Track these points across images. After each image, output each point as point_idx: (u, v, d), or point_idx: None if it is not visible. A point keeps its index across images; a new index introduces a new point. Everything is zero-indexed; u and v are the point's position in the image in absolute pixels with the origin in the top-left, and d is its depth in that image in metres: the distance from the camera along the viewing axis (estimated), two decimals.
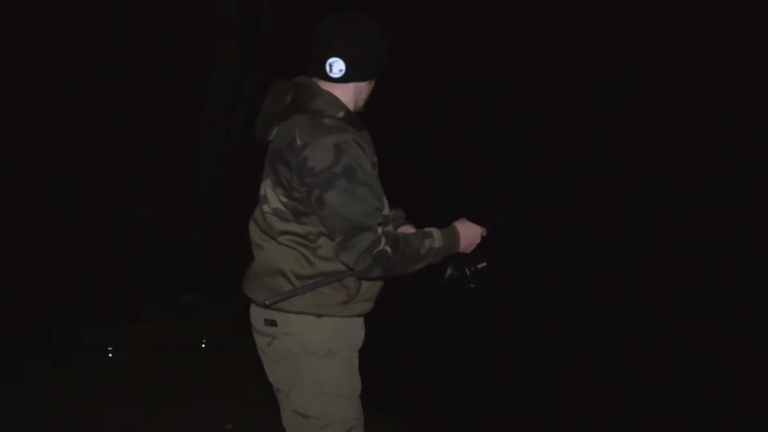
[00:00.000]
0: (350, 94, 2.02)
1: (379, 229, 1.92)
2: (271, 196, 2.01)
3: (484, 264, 2.18)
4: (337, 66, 1.97)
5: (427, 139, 10.63)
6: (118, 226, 7.41)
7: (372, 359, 2.27)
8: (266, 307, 2.01)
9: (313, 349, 2.03)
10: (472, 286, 2.17)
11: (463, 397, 4.73)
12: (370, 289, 2.07)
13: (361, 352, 2.16)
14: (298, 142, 1.91)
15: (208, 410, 3.94)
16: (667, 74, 10.77)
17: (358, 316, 2.10)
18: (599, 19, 10.49)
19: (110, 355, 4.77)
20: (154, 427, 3.72)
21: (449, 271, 2.18)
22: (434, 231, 2.06)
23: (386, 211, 2.07)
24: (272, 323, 2.05)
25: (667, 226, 8.68)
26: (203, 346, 5.06)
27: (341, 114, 1.97)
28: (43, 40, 7.79)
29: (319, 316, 2.01)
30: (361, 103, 2.08)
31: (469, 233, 2.15)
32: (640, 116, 10.68)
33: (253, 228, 2.11)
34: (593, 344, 5.54)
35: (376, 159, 2.02)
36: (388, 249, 1.91)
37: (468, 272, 2.16)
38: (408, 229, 2.20)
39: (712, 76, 10.40)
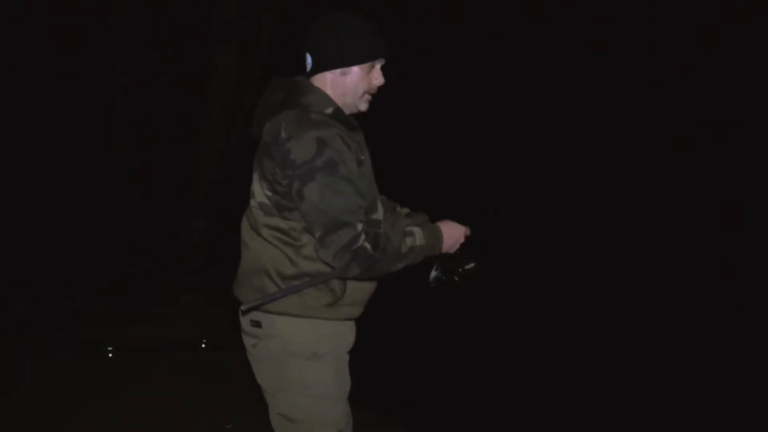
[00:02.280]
0: (329, 89, 2.01)
1: (360, 226, 1.88)
2: (257, 191, 2.01)
3: (472, 265, 2.14)
4: (308, 60, 2.01)
5: (427, 139, 10.63)
6: (118, 226, 7.41)
7: (370, 360, 2.27)
8: (243, 313, 2.01)
9: (297, 351, 2.00)
10: (458, 287, 2.13)
11: (462, 397, 4.72)
12: (358, 292, 2.03)
13: (360, 352, 2.14)
14: (283, 134, 1.91)
15: (208, 410, 3.94)
16: (667, 74, 10.78)
17: (346, 319, 2.07)
18: (599, 19, 10.49)
19: (110, 355, 4.77)
20: (154, 427, 3.72)
21: (434, 273, 2.14)
22: (416, 229, 2.02)
23: (378, 215, 2.05)
24: (257, 324, 2.03)
25: (667, 225, 8.68)
26: (203, 346, 5.06)
27: (329, 110, 1.97)
28: (43, 40, 7.79)
29: (303, 317, 1.98)
30: (347, 99, 2.03)
31: (452, 233, 2.11)
32: (640, 116, 10.69)
33: (243, 225, 2.11)
34: (592, 344, 5.54)
35: (363, 158, 2.00)
36: (368, 246, 1.88)
37: (454, 274, 2.12)
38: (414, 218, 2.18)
39: (712, 76, 10.40)
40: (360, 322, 2.13)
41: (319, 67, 2.00)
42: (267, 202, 1.98)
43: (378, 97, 2.11)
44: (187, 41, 7.49)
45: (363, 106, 2.07)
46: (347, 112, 2.03)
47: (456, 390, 4.80)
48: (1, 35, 7.47)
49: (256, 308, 1.99)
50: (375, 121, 2.23)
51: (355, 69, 2.01)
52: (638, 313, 6.23)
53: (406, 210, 2.27)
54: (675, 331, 5.82)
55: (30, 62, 7.90)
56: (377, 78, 2.05)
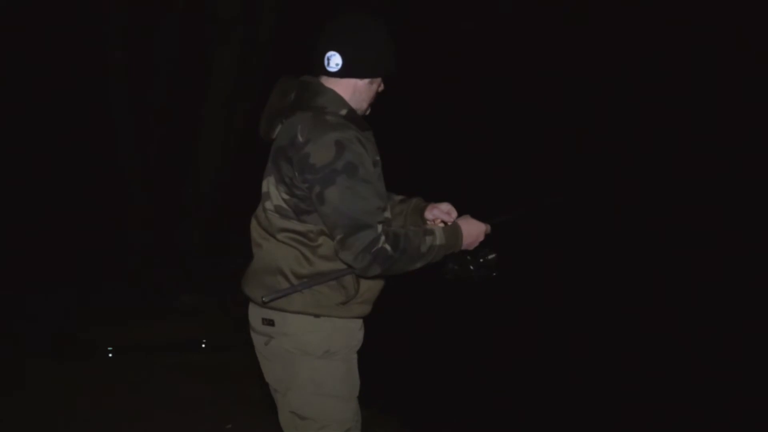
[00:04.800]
0: (350, 92, 2.02)
1: (380, 228, 1.90)
2: (273, 193, 2.01)
3: (493, 255, 2.12)
4: (334, 60, 1.98)
5: (430, 138, 10.64)
6: (118, 226, 7.40)
7: (372, 359, 2.27)
8: (264, 304, 2.00)
9: (311, 350, 2.02)
10: (474, 279, 2.12)
11: (463, 397, 4.72)
12: (369, 290, 2.06)
13: (362, 352, 2.15)
14: (300, 138, 1.91)
15: (207, 410, 3.94)
16: (667, 73, 10.79)
17: (357, 317, 2.09)
18: (599, 19, 10.50)
19: (110, 355, 4.77)
20: (155, 427, 3.72)
21: (450, 265, 2.12)
22: (436, 228, 2.04)
23: (388, 213, 2.05)
24: (270, 323, 2.04)
25: (667, 224, 8.68)
26: (203, 346, 5.05)
27: (344, 112, 1.98)
28: (43, 39, 7.79)
29: (317, 316, 2.00)
30: (364, 104, 2.06)
31: (472, 230, 2.10)
32: (641, 116, 10.70)
33: (254, 225, 2.11)
34: (594, 344, 5.53)
35: (378, 158, 2.02)
36: (388, 247, 1.89)
37: (471, 267, 2.11)
38: (431, 209, 2.19)
39: (712, 76, 10.42)
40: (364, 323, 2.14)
41: (352, 72, 1.99)
42: (284, 205, 1.98)
43: (383, 96, 2.13)
44: (187, 41, 7.49)
45: (368, 111, 2.11)
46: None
47: (456, 389, 4.80)
48: (1, 35, 7.46)
49: (272, 302, 1.98)
50: (378, 120, 2.23)
51: (378, 78, 2.05)
52: (639, 313, 6.22)
53: (399, 197, 2.28)
54: (677, 331, 5.83)
55: (29, 62, 7.90)
56: (381, 85, 2.09)
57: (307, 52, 2.07)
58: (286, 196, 1.97)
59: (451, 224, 2.11)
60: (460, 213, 2.19)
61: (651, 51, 10.89)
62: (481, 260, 2.11)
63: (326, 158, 1.87)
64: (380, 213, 1.93)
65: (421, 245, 1.96)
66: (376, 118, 2.14)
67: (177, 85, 7.57)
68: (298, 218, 1.97)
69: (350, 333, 2.08)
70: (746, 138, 9.94)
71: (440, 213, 2.19)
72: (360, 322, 2.12)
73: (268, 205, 2.03)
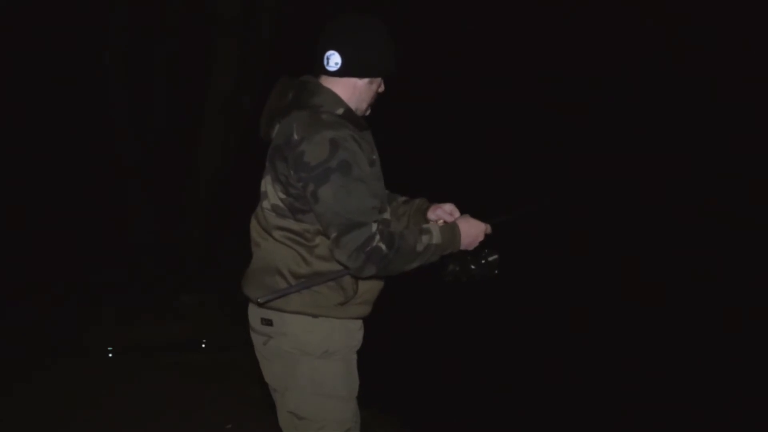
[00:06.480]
0: (349, 92, 2.02)
1: (374, 227, 1.89)
2: (270, 192, 2.01)
3: (495, 256, 2.11)
4: (333, 59, 1.98)
5: (430, 138, 10.64)
6: (118, 226, 7.40)
7: (372, 359, 2.27)
8: (260, 305, 2.00)
9: (309, 350, 2.02)
10: (475, 279, 2.10)
11: (463, 397, 4.72)
12: (368, 291, 2.05)
13: (362, 352, 2.15)
14: (295, 137, 1.91)
15: (208, 410, 3.94)
16: (667, 73, 10.79)
17: (356, 318, 2.08)
18: (599, 19, 10.51)
19: (110, 355, 4.77)
20: (155, 427, 3.72)
21: (450, 267, 2.11)
22: (432, 227, 2.01)
23: (387, 214, 2.05)
24: (268, 323, 2.04)
25: (668, 224, 8.68)
26: (203, 346, 5.05)
27: (340, 111, 1.98)
28: (44, 39, 7.79)
29: (315, 316, 2.00)
30: (364, 105, 2.06)
31: (471, 230, 2.08)
32: (641, 116, 10.70)
33: (253, 225, 2.11)
34: (594, 344, 5.53)
35: (375, 158, 2.01)
36: (383, 246, 1.88)
37: (472, 266, 2.09)
38: (435, 209, 2.18)
39: (711, 76, 10.42)
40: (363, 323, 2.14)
41: (352, 71, 1.99)
42: (280, 204, 1.98)
43: (386, 97, 2.13)
44: (187, 41, 7.49)
45: (368, 111, 2.10)
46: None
47: (456, 389, 4.80)
48: (1, 35, 7.46)
49: (269, 303, 1.98)
50: (380, 120, 2.23)
51: (378, 79, 2.05)
52: (639, 313, 6.22)
53: (403, 198, 2.27)
54: (677, 331, 5.82)
55: (30, 61, 7.90)
56: (381, 86, 2.09)
57: (307, 52, 2.08)
58: (282, 195, 1.97)
59: (449, 223, 2.09)
60: (462, 213, 2.18)
61: (651, 51, 10.89)
62: (483, 261, 2.10)
63: (320, 156, 1.86)
64: (375, 212, 1.92)
65: (417, 244, 1.95)
66: (375, 118, 2.13)
67: (177, 85, 7.58)
68: (294, 217, 1.97)
69: (349, 333, 2.08)
70: (747, 138, 9.94)
71: (443, 213, 2.19)
72: (359, 322, 2.12)
73: (266, 204, 2.03)
